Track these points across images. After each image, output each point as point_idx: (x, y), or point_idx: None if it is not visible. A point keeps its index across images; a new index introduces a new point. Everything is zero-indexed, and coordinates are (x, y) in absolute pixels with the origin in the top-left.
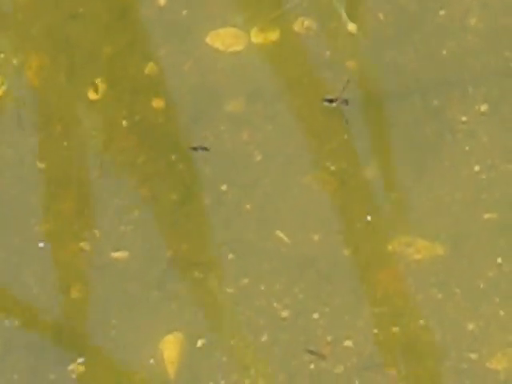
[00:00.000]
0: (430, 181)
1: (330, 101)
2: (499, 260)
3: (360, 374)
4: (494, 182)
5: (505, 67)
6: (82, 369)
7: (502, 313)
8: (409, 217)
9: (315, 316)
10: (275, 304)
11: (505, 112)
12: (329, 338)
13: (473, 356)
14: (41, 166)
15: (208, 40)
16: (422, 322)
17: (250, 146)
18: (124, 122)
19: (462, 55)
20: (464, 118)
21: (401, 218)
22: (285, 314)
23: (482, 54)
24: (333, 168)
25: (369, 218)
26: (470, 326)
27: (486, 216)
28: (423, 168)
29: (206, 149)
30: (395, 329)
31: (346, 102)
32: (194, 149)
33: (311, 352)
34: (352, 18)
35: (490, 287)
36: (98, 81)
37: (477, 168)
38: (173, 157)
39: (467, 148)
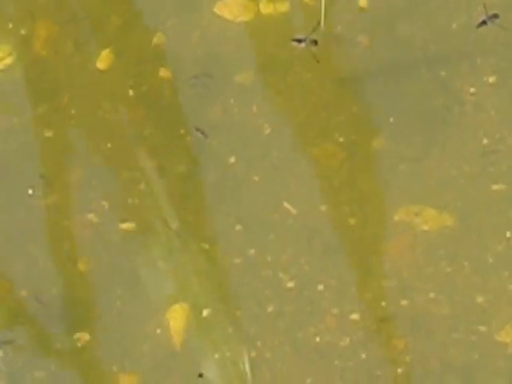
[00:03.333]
0: (437, 152)
1: (299, 41)
2: (508, 234)
3: (366, 346)
4: (501, 154)
5: None
6: (87, 338)
7: (510, 287)
8: (416, 187)
9: (320, 288)
10: (281, 275)
11: None
12: (335, 311)
13: (481, 328)
14: (48, 134)
15: (216, 10)
16: (431, 295)
17: (259, 118)
18: (131, 92)
19: (471, 27)
20: (472, 90)
21: (408, 188)
22: (290, 284)
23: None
24: (341, 140)
25: (377, 188)
26: (479, 299)
27: (494, 188)
28: (431, 139)
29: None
30: (404, 302)
31: (315, 42)
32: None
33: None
34: None
35: (498, 261)
36: (105, 51)
37: (485, 140)
38: (180, 129)
39: (475, 119)
